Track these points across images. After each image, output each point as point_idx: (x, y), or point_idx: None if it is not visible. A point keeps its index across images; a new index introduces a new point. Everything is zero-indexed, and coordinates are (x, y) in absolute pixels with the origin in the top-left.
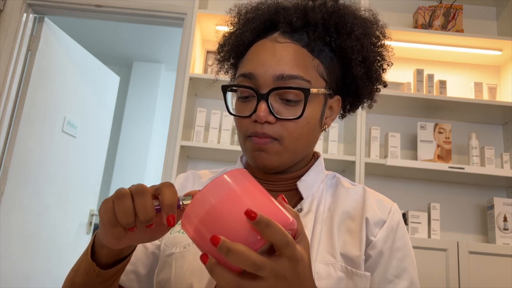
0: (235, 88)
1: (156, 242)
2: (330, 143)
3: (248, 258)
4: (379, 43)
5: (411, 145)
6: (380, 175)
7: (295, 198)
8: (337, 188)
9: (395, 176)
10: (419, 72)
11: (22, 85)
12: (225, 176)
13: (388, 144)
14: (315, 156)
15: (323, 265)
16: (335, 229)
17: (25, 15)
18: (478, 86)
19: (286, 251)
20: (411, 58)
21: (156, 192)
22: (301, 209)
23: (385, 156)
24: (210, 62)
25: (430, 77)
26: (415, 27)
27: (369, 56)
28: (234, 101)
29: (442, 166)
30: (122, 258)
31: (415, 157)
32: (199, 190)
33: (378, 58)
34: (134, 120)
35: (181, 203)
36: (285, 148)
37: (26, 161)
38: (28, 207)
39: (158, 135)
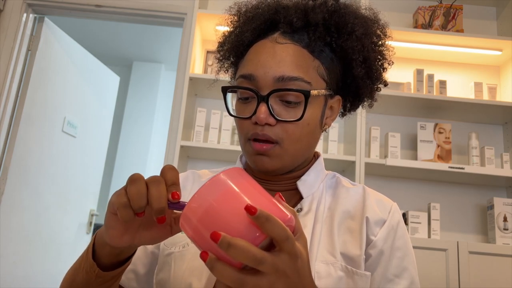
0: (235, 89)
1: None
2: (330, 143)
3: (249, 252)
4: (380, 42)
5: (411, 145)
6: (380, 175)
7: (295, 197)
8: (337, 187)
9: (395, 176)
10: (419, 72)
11: (22, 85)
12: (222, 174)
13: (388, 144)
14: (315, 156)
15: (323, 264)
16: (335, 228)
17: (25, 15)
18: (478, 86)
19: (286, 246)
20: (411, 58)
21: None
22: (301, 209)
23: (385, 156)
24: (210, 62)
25: (430, 77)
26: (415, 27)
27: (370, 56)
28: (234, 102)
29: (442, 166)
30: (122, 260)
31: (415, 157)
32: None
33: (379, 57)
34: (134, 120)
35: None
36: (286, 151)
37: (26, 161)
38: (28, 207)
39: (158, 135)
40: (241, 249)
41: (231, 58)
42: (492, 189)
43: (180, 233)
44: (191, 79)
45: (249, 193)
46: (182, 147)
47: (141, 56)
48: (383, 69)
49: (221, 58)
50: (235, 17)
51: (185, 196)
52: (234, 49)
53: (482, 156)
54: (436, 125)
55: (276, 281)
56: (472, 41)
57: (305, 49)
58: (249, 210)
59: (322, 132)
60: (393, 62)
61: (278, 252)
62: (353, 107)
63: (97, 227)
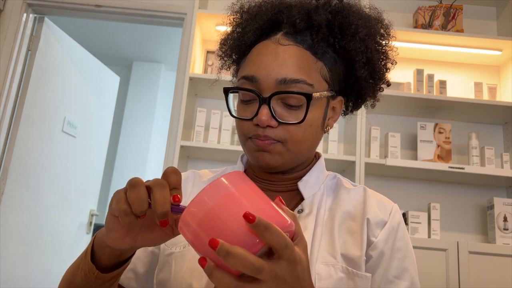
0: (237, 90)
1: None
2: (330, 143)
3: (247, 261)
4: (384, 42)
5: (411, 145)
6: (380, 175)
7: (296, 198)
8: (338, 188)
9: (395, 176)
10: (419, 72)
11: (22, 85)
12: (222, 178)
13: (388, 144)
14: (316, 156)
15: (324, 265)
16: (335, 229)
17: (25, 15)
18: (478, 86)
19: (285, 254)
20: (411, 58)
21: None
22: (302, 210)
23: (385, 156)
24: (210, 62)
25: (430, 77)
26: (415, 27)
27: (373, 56)
28: (235, 102)
29: (442, 166)
30: (122, 261)
31: (415, 157)
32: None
33: (382, 57)
34: (134, 120)
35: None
36: (288, 150)
37: (26, 161)
38: (28, 207)
39: (158, 135)
40: (239, 257)
41: (233, 56)
42: (492, 189)
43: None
44: (191, 79)
45: (250, 197)
46: (182, 147)
47: (141, 56)
48: (386, 69)
49: (223, 55)
50: (238, 14)
51: (186, 197)
52: (236, 48)
53: (482, 156)
54: (436, 125)
55: (275, 287)
56: (472, 41)
57: (308, 51)
58: (248, 218)
59: (324, 133)
60: (396, 62)
61: (277, 260)
62: (356, 107)
63: (97, 227)
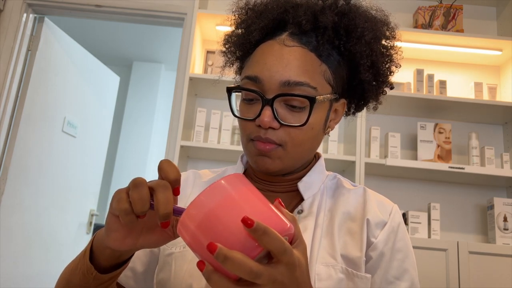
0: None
1: None
2: (330, 143)
3: (245, 266)
4: (389, 45)
5: (411, 145)
6: (380, 175)
7: (296, 199)
8: (338, 189)
9: (395, 176)
10: (419, 72)
11: (22, 85)
12: (221, 181)
13: (388, 144)
14: (316, 156)
15: (324, 266)
16: (335, 230)
17: (25, 15)
18: (478, 86)
19: (284, 258)
20: (411, 58)
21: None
22: (301, 210)
23: (385, 156)
24: (210, 62)
25: (430, 77)
26: (415, 27)
27: (378, 60)
28: (238, 102)
29: (442, 166)
30: (121, 262)
31: (415, 157)
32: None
33: (387, 60)
34: (134, 120)
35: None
36: (288, 153)
37: (26, 161)
38: (28, 207)
39: (158, 135)
40: (238, 262)
41: (237, 53)
42: (492, 189)
43: None
44: (191, 79)
45: (249, 200)
46: (182, 147)
47: (141, 56)
48: (390, 72)
49: (226, 52)
50: (243, 10)
51: (185, 198)
52: (240, 46)
53: (482, 156)
54: (436, 125)
55: None
56: (472, 41)
57: (313, 53)
58: (246, 222)
59: (325, 135)
60: (400, 66)
61: (275, 264)
62: (358, 109)
63: (97, 227)
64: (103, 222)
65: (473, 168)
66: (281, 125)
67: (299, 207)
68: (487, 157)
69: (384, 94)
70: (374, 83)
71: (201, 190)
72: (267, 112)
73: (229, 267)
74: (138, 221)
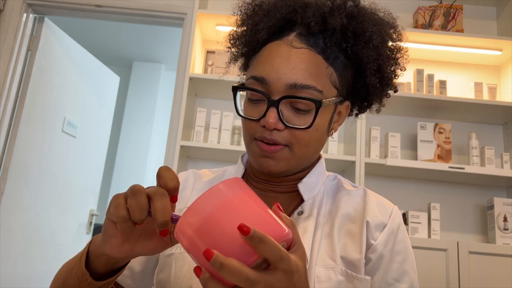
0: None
1: None
2: (330, 143)
3: (241, 274)
4: (396, 48)
5: (411, 145)
6: (380, 175)
7: (296, 200)
8: (338, 190)
9: (395, 176)
10: (419, 72)
11: (22, 85)
12: (220, 185)
13: (388, 144)
14: (317, 157)
15: (323, 268)
16: (335, 231)
17: (25, 15)
18: (478, 86)
19: (281, 265)
20: (411, 58)
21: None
22: (301, 212)
23: (385, 156)
24: (210, 62)
25: (430, 77)
26: (415, 27)
27: (384, 64)
28: (242, 101)
29: (442, 166)
30: (117, 269)
31: (415, 157)
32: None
33: (392, 62)
34: (134, 120)
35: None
36: (295, 155)
37: (26, 161)
38: (28, 207)
39: (158, 135)
40: (234, 270)
41: (243, 50)
42: (492, 189)
43: None
44: (191, 79)
45: (247, 206)
46: (182, 147)
47: (141, 56)
48: (395, 75)
49: (231, 47)
50: (250, 6)
51: (185, 199)
52: (247, 44)
53: (482, 156)
54: (436, 125)
55: None
56: (472, 41)
57: (320, 55)
58: (242, 229)
59: (329, 136)
60: (405, 69)
61: (272, 271)
62: (361, 111)
63: (97, 227)
64: (102, 223)
65: (473, 168)
66: (286, 127)
67: (299, 208)
68: (487, 157)
69: (388, 97)
70: (378, 86)
71: (201, 192)
72: (272, 113)
73: (225, 275)
74: (135, 227)
